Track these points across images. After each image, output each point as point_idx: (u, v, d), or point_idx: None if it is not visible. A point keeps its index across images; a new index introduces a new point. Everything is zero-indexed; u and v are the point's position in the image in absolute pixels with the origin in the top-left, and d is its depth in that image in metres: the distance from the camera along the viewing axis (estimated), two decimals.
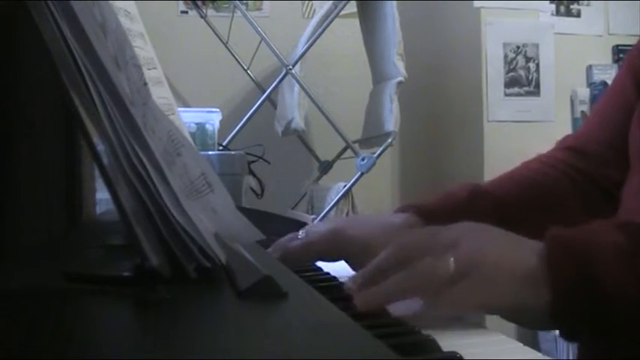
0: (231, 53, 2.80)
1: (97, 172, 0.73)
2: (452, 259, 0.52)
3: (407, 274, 0.53)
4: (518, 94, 2.82)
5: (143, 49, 0.84)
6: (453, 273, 0.51)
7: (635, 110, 0.78)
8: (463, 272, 0.51)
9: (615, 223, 0.53)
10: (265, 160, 1.92)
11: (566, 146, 0.89)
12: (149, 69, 0.83)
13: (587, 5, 3.01)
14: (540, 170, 0.87)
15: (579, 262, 0.49)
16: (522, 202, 0.82)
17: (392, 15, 2.42)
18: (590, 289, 0.48)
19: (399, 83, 2.39)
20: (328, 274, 0.74)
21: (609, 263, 0.48)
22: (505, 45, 2.81)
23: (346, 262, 0.74)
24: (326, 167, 2.91)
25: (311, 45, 2.47)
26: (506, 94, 2.81)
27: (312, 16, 2.84)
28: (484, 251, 0.52)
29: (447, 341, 0.44)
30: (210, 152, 1.68)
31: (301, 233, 0.75)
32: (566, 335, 0.51)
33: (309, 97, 2.45)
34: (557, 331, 0.51)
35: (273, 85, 2.46)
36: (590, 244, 0.50)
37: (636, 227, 0.51)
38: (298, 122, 2.49)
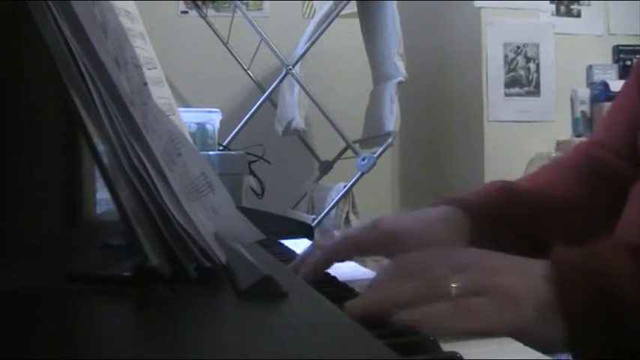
0: (232, 53, 2.80)
1: (97, 172, 0.73)
2: (466, 277, 0.51)
3: (422, 283, 0.52)
4: (519, 94, 2.82)
5: (143, 49, 0.84)
6: (468, 291, 0.50)
7: None
8: (477, 292, 0.50)
9: (625, 247, 0.52)
10: (265, 160, 1.92)
11: (579, 150, 0.88)
12: (149, 69, 0.83)
13: (588, 5, 3.01)
14: (565, 168, 0.86)
15: (593, 291, 0.48)
16: (550, 196, 0.81)
17: (392, 15, 2.42)
18: (605, 314, 0.47)
19: (400, 83, 2.39)
20: (328, 274, 0.74)
21: (624, 291, 0.47)
22: (505, 45, 2.81)
23: (386, 255, 0.72)
24: (326, 167, 2.91)
25: (311, 45, 2.47)
26: (506, 94, 2.81)
27: (312, 16, 2.84)
28: (496, 274, 0.51)
29: (447, 341, 0.44)
30: (210, 152, 1.68)
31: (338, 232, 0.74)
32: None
33: (309, 97, 2.45)
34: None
35: (274, 85, 2.46)
36: (603, 274, 0.49)
37: None
38: (298, 122, 2.49)
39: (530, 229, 0.75)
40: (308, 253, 0.72)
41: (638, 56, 2.97)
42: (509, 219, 0.75)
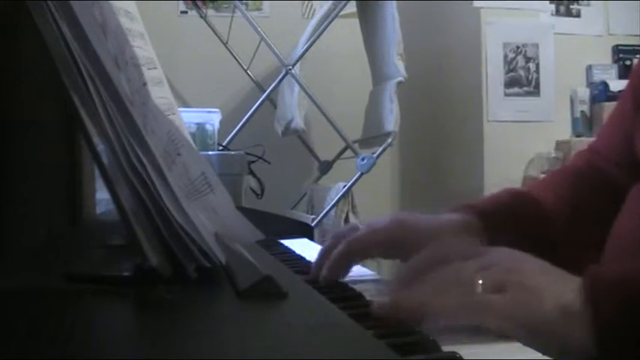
0: (231, 53, 2.80)
1: (97, 172, 0.73)
2: (491, 269, 0.51)
3: (443, 276, 0.52)
4: (518, 94, 2.82)
5: (143, 49, 0.84)
6: (492, 283, 0.49)
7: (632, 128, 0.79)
8: (497, 288, 0.49)
9: None
10: (265, 160, 1.92)
11: (581, 158, 0.89)
12: (149, 69, 0.83)
13: (587, 5, 3.01)
14: (568, 174, 0.88)
15: (623, 298, 0.47)
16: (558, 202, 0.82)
17: (392, 15, 2.42)
18: (634, 322, 0.46)
19: (399, 83, 2.39)
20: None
21: None
22: (505, 45, 2.81)
23: (405, 255, 0.72)
24: (326, 167, 2.91)
25: (311, 45, 2.47)
26: (506, 94, 2.81)
27: (312, 16, 2.84)
28: (523, 272, 0.51)
29: (447, 341, 0.44)
30: (210, 152, 1.68)
31: (361, 225, 0.74)
32: None
33: (309, 97, 2.45)
34: None
35: (273, 85, 2.46)
36: (632, 283, 0.47)
37: None
38: (298, 122, 2.49)
39: (543, 234, 0.76)
40: (330, 246, 0.72)
41: (635, 60, 2.97)
42: (521, 225, 0.75)
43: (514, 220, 0.76)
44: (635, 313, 0.46)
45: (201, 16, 2.81)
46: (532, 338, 0.47)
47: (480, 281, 0.50)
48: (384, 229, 0.72)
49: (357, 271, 0.76)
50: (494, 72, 2.80)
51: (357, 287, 0.64)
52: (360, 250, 0.71)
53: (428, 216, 0.75)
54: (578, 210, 0.81)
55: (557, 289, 0.48)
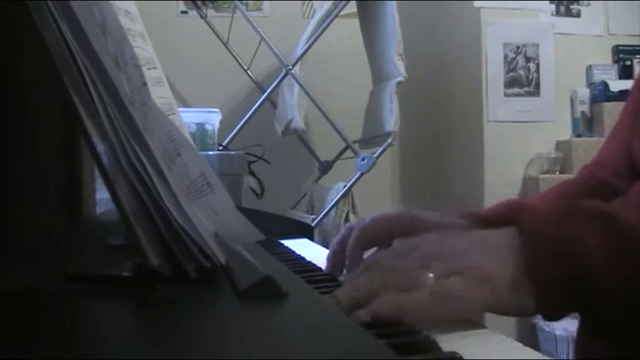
0: (231, 53, 2.80)
1: (97, 172, 0.73)
2: (438, 264, 0.53)
3: (397, 276, 0.54)
4: (518, 95, 2.82)
5: (143, 49, 0.84)
6: (441, 277, 0.52)
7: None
8: (451, 271, 0.52)
9: (597, 214, 0.54)
10: (265, 160, 1.92)
11: (585, 171, 0.94)
12: (149, 69, 0.83)
13: (587, 5, 3.01)
14: (569, 186, 0.93)
15: (566, 268, 0.51)
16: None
17: (392, 15, 2.42)
18: (574, 287, 0.51)
19: (399, 83, 2.39)
20: (328, 274, 0.74)
21: (592, 267, 0.51)
22: (505, 45, 2.81)
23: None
24: (326, 167, 2.91)
25: (311, 45, 2.47)
26: (506, 94, 2.81)
27: (312, 16, 2.84)
28: (466, 254, 0.54)
29: (447, 341, 0.44)
30: (210, 152, 1.68)
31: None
32: (548, 317, 0.54)
33: (309, 97, 2.45)
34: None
35: (273, 85, 2.46)
36: (573, 249, 0.52)
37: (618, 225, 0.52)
38: (298, 122, 2.49)
39: None
40: (344, 236, 0.76)
41: (635, 60, 2.97)
42: None
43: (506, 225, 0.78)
44: (572, 273, 0.51)
45: (201, 16, 2.82)
46: (490, 311, 0.52)
47: (429, 274, 0.52)
48: (392, 217, 0.76)
49: None
50: (494, 72, 2.80)
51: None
52: (371, 236, 0.75)
53: (434, 212, 0.78)
54: None
55: (502, 266, 0.53)
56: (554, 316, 0.53)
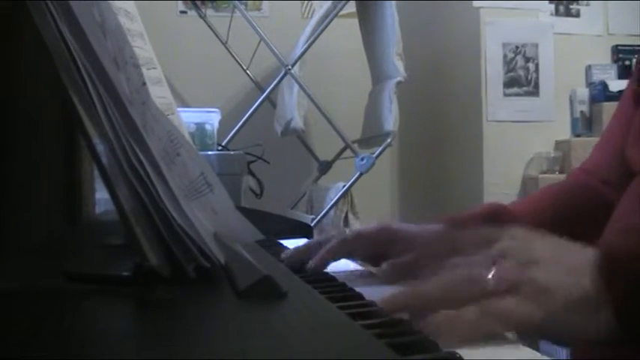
0: (231, 53, 2.80)
1: (96, 172, 0.73)
2: (500, 271, 0.50)
3: (448, 278, 0.52)
4: (518, 94, 2.82)
5: (143, 49, 0.84)
6: (500, 288, 0.49)
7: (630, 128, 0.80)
8: (509, 288, 0.49)
9: None
10: (265, 160, 1.91)
11: (572, 176, 0.93)
12: (149, 69, 0.83)
13: (587, 5, 3.01)
14: (558, 191, 0.91)
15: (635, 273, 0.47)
16: (542, 218, 0.83)
17: (391, 15, 2.42)
18: None
19: (399, 83, 2.39)
20: (328, 274, 0.74)
21: None
22: (504, 45, 2.81)
23: (386, 255, 0.73)
24: (325, 167, 2.91)
25: (310, 45, 2.47)
26: (505, 94, 2.81)
27: (312, 16, 2.84)
28: (533, 265, 0.50)
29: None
30: (209, 152, 1.68)
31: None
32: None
33: (309, 97, 2.45)
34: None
35: (273, 85, 2.46)
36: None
37: None
38: (297, 122, 2.49)
39: None
40: (317, 244, 0.74)
41: (635, 60, 2.97)
42: None
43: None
44: None
45: (201, 16, 2.81)
46: (549, 335, 0.48)
47: (489, 282, 0.50)
48: (372, 233, 0.74)
49: (350, 267, 0.77)
50: (493, 72, 2.80)
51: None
52: (347, 249, 0.73)
53: (412, 224, 0.76)
54: (558, 225, 0.82)
55: (569, 282, 0.49)
56: (633, 334, 0.48)
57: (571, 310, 0.48)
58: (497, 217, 0.80)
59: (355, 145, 2.48)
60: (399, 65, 2.40)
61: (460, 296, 0.50)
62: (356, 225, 2.51)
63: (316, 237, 0.78)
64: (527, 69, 2.83)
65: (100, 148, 0.44)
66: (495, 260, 0.52)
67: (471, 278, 0.51)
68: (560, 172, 2.74)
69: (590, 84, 2.93)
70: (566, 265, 0.51)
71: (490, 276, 0.50)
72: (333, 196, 2.43)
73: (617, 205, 0.75)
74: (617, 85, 2.79)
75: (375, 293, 0.55)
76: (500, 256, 0.52)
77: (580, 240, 0.53)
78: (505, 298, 0.49)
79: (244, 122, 2.47)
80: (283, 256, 0.74)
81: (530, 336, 0.49)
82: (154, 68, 0.87)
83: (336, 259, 0.73)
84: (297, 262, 0.72)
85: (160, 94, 0.84)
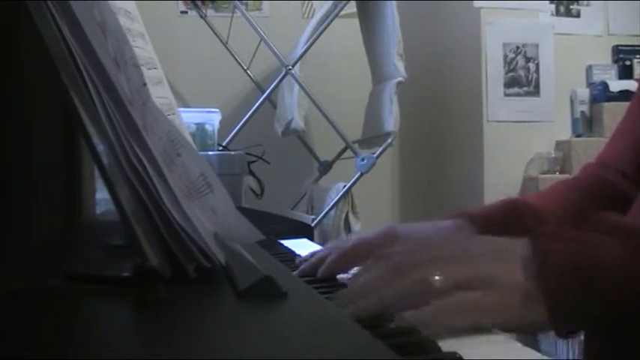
0: (231, 53, 2.80)
1: (97, 172, 0.73)
2: (449, 270, 0.51)
3: (405, 282, 0.52)
4: (518, 94, 2.82)
5: (143, 49, 0.84)
6: (453, 284, 0.50)
7: None
8: (463, 284, 0.50)
9: (614, 229, 0.53)
10: (265, 161, 1.91)
11: (586, 170, 0.91)
12: (149, 69, 0.83)
13: (587, 5, 3.01)
14: (570, 186, 0.89)
15: (580, 279, 0.49)
16: (558, 205, 0.82)
17: (392, 15, 2.42)
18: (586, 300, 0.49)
19: (399, 83, 2.39)
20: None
21: (607, 283, 0.49)
22: (505, 45, 2.81)
23: None
24: (326, 167, 2.91)
25: (311, 45, 2.47)
26: (505, 94, 2.81)
27: (312, 16, 2.84)
28: (478, 263, 0.52)
29: (447, 341, 0.44)
30: (209, 152, 1.68)
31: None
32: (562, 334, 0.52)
33: (309, 97, 2.45)
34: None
35: (273, 85, 2.46)
36: (588, 264, 0.50)
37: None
38: (298, 122, 2.49)
39: None
40: (323, 254, 0.73)
41: (635, 60, 2.97)
42: (513, 231, 0.76)
43: (507, 227, 0.76)
44: (582, 286, 0.49)
45: (201, 16, 2.81)
46: (502, 326, 0.50)
47: (440, 279, 0.50)
48: (372, 239, 0.73)
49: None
50: (494, 72, 2.80)
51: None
52: (348, 259, 0.72)
53: (419, 224, 0.76)
54: (580, 220, 0.81)
55: (513, 270, 0.51)
56: (564, 330, 0.51)
57: (521, 302, 0.49)
58: (519, 213, 0.79)
59: (356, 146, 2.48)
60: (400, 65, 2.39)
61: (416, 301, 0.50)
62: (356, 226, 2.51)
63: (327, 246, 0.75)
64: (528, 69, 2.83)
65: (101, 148, 0.44)
66: (438, 261, 0.52)
67: (420, 280, 0.51)
68: (561, 173, 2.74)
69: (590, 84, 2.93)
70: (508, 260, 0.52)
71: (438, 278, 0.51)
72: (334, 196, 2.43)
73: (637, 198, 0.74)
74: (617, 85, 2.79)
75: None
76: (440, 259, 0.53)
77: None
78: (467, 292, 0.50)
79: (245, 122, 2.47)
80: (296, 273, 0.72)
81: (504, 327, 0.50)
82: (155, 68, 0.87)
83: (340, 272, 0.71)
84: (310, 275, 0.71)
85: (160, 94, 0.84)
